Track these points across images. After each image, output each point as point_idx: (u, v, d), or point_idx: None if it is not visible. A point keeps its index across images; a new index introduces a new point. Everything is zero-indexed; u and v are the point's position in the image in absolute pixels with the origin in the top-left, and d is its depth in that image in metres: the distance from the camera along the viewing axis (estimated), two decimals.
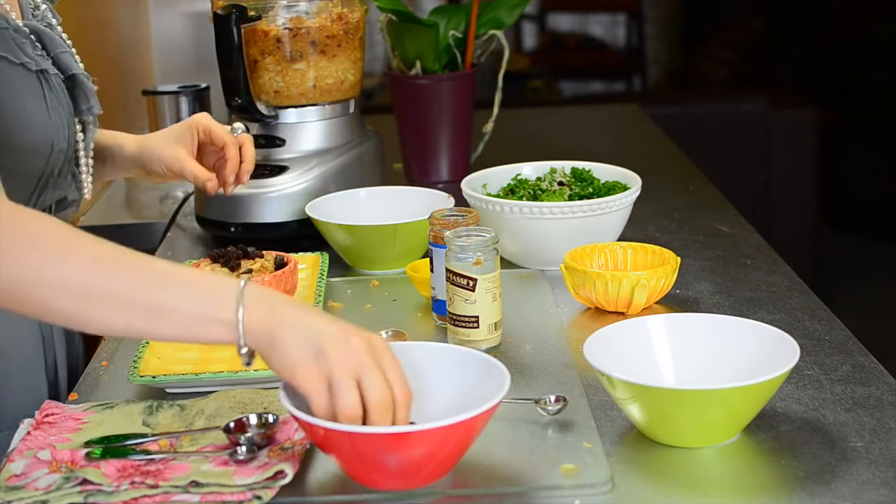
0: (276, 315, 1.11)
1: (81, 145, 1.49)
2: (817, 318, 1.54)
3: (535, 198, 1.76)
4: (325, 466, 1.19)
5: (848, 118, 4.85)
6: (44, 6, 1.50)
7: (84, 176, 1.51)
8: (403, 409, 1.11)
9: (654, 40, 6.53)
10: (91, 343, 1.67)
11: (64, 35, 1.50)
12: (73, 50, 1.51)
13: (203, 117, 1.69)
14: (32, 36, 1.42)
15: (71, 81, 1.45)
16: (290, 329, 1.10)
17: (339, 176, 1.92)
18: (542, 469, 1.17)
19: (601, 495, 1.13)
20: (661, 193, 2.10)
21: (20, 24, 1.41)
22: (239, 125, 1.73)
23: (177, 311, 1.11)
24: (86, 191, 1.52)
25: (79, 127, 1.47)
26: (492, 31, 2.21)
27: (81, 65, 1.51)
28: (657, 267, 1.59)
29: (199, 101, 2.32)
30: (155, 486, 1.14)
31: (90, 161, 1.53)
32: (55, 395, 1.50)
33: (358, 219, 1.77)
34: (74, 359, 1.58)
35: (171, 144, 1.67)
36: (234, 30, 1.81)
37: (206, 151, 1.71)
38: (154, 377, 1.37)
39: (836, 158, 4.48)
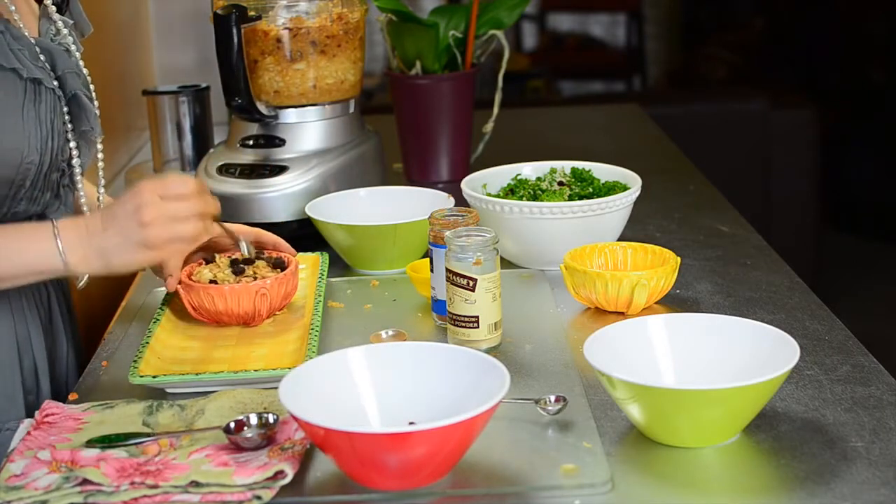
0: (94, 248, 1.37)
1: (78, 169, 1.48)
2: (817, 318, 1.54)
3: (535, 198, 1.76)
4: (325, 466, 1.19)
5: (848, 118, 4.86)
6: (65, 31, 1.49)
7: (83, 199, 1.51)
8: (201, 198, 1.42)
9: (654, 40, 6.53)
10: (91, 344, 1.66)
11: (81, 63, 1.50)
12: (89, 79, 1.50)
13: None
14: (42, 55, 1.42)
15: (75, 100, 1.46)
16: (111, 252, 1.37)
17: (339, 176, 1.92)
18: (542, 469, 1.17)
19: (601, 495, 1.13)
20: (661, 193, 2.10)
21: (26, 35, 1.41)
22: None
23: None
24: (85, 210, 1.52)
25: (75, 151, 1.47)
26: (492, 31, 2.21)
27: (94, 94, 1.51)
28: (657, 267, 1.59)
29: (199, 101, 2.31)
30: (155, 486, 1.14)
31: (96, 177, 1.54)
32: (35, 400, 1.48)
33: (358, 219, 1.77)
34: (60, 363, 1.55)
35: None
36: (234, 30, 1.81)
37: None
38: (154, 377, 1.37)
39: (836, 158, 4.48)
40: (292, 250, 1.63)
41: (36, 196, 1.43)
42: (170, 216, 1.39)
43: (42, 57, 1.42)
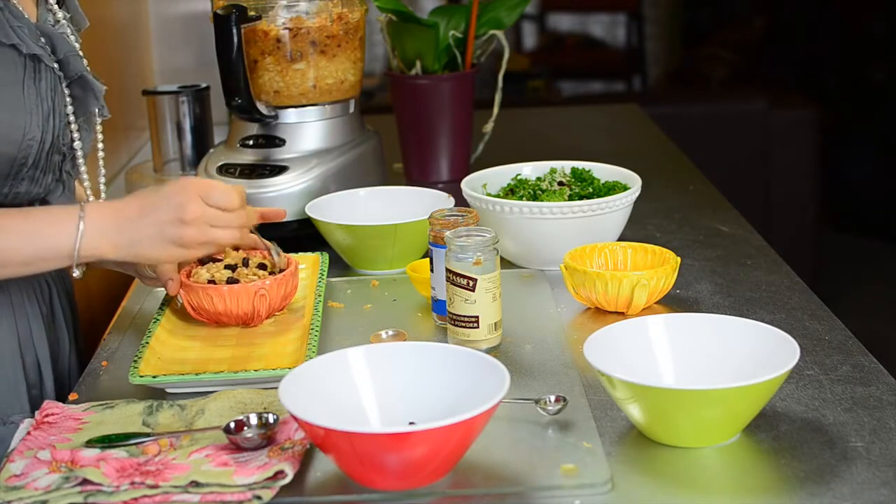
0: (122, 236, 1.37)
1: (80, 153, 1.48)
2: (817, 318, 1.54)
3: (535, 198, 1.76)
4: (325, 466, 1.19)
5: (848, 118, 4.85)
6: (64, 22, 1.50)
7: (87, 183, 1.50)
8: (241, 215, 1.43)
9: (654, 40, 6.53)
10: (91, 344, 1.66)
11: (80, 53, 1.50)
12: (88, 68, 1.50)
13: None
14: (42, 38, 1.42)
15: (80, 83, 1.45)
16: (143, 242, 1.37)
17: (339, 176, 1.92)
18: (542, 469, 1.17)
19: (601, 495, 1.13)
20: (661, 193, 2.10)
21: (26, 16, 1.41)
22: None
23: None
24: (91, 198, 1.52)
25: (76, 135, 1.47)
26: (492, 31, 2.21)
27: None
28: (657, 267, 1.59)
29: (199, 101, 2.31)
30: (155, 486, 1.14)
31: (97, 167, 1.53)
32: (39, 395, 1.48)
33: (358, 219, 1.77)
34: (63, 359, 1.55)
35: None
36: (234, 30, 1.81)
37: None
38: (154, 377, 1.37)
39: (836, 158, 4.48)
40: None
41: (37, 177, 1.42)
42: (210, 220, 1.40)
43: (42, 39, 1.42)
